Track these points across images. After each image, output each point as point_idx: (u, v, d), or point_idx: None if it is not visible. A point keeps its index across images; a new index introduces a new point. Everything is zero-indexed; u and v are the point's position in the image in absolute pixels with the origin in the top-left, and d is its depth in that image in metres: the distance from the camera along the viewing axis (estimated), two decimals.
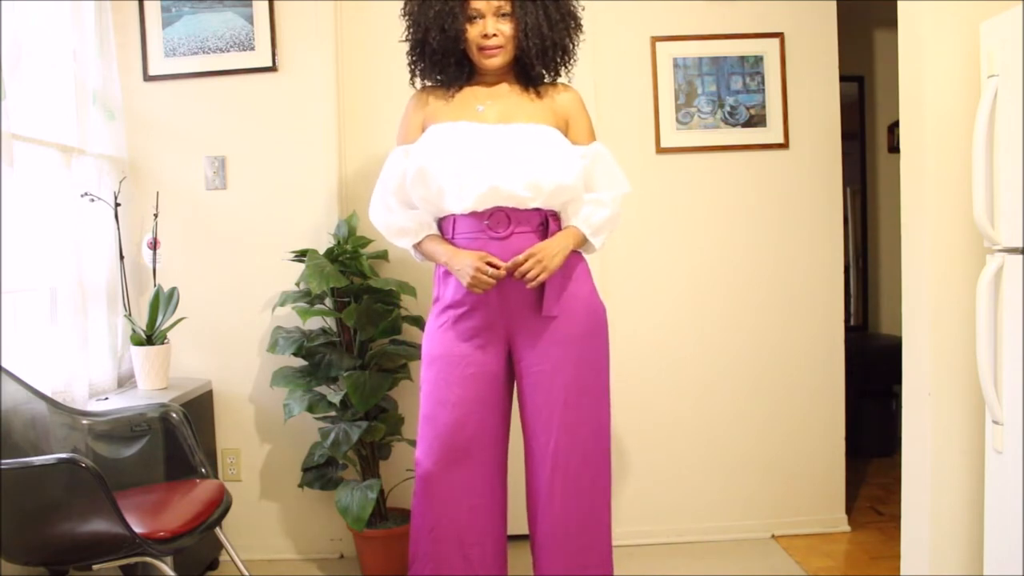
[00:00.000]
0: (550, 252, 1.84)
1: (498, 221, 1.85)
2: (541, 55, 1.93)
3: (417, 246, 1.98)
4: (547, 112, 1.97)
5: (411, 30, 1.97)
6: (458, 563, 1.88)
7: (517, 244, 1.85)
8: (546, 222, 1.90)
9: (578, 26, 2.01)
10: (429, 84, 2.03)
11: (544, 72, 1.99)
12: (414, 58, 1.99)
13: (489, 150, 1.85)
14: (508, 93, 1.98)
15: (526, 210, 1.86)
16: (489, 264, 1.81)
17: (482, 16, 1.89)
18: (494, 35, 1.89)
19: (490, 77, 1.99)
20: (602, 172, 1.98)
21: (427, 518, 1.88)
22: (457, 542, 1.88)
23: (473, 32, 1.90)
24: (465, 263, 1.83)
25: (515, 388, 2.01)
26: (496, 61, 1.92)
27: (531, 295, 1.88)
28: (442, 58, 1.94)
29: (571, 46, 1.99)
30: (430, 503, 1.88)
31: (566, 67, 2.02)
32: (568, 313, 1.90)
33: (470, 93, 1.98)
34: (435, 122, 1.94)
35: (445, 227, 1.92)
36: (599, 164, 1.98)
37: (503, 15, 1.89)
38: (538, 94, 1.99)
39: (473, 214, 1.86)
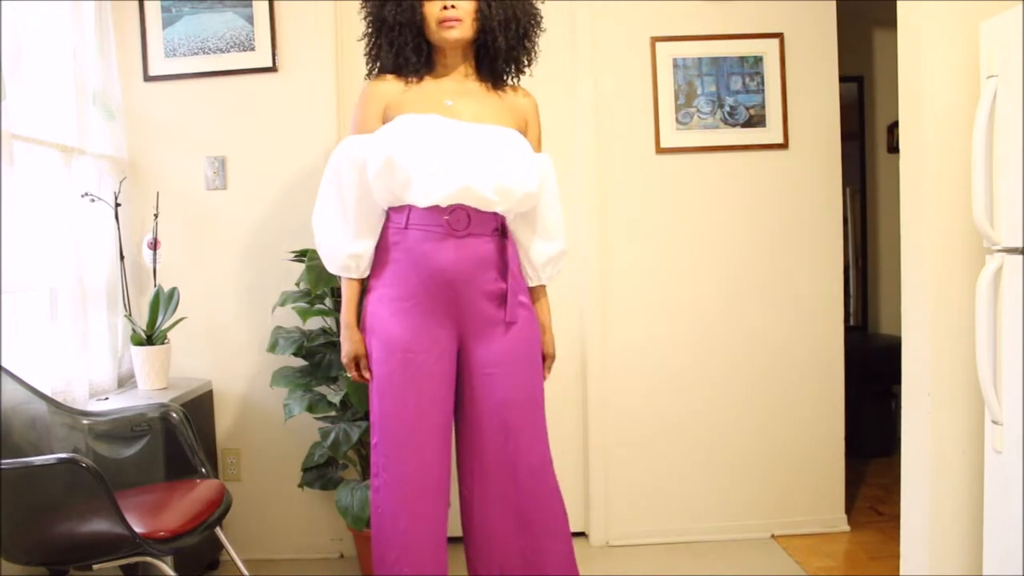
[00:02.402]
0: (553, 345, 2.07)
1: (459, 219, 1.83)
2: (503, 27, 1.89)
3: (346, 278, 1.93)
4: (508, 113, 1.95)
5: (369, 6, 1.94)
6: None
7: (472, 245, 1.84)
8: (501, 227, 1.90)
9: (537, 22, 1.99)
10: (388, 73, 1.96)
11: (507, 51, 1.93)
12: (373, 40, 1.95)
13: (462, 148, 1.83)
14: (474, 90, 1.95)
15: (487, 212, 1.85)
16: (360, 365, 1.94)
17: None
18: (452, 6, 1.85)
19: (451, 68, 1.94)
20: (549, 188, 2.01)
21: (379, 518, 1.89)
22: (408, 546, 1.88)
23: (431, 8, 1.87)
24: (348, 347, 1.92)
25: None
26: (455, 34, 1.87)
27: (481, 296, 1.87)
28: (399, 35, 1.88)
29: (533, 30, 1.96)
30: (383, 503, 1.87)
31: (525, 53, 1.97)
32: (515, 318, 1.92)
33: (434, 86, 1.93)
34: (400, 113, 1.87)
35: (397, 216, 1.87)
36: (548, 180, 2.01)
37: None
38: (500, 94, 1.98)
39: (434, 208, 1.82)
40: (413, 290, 1.85)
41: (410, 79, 1.93)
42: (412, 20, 1.88)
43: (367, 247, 1.91)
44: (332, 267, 1.95)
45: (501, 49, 1.92)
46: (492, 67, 1.96)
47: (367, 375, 1.92)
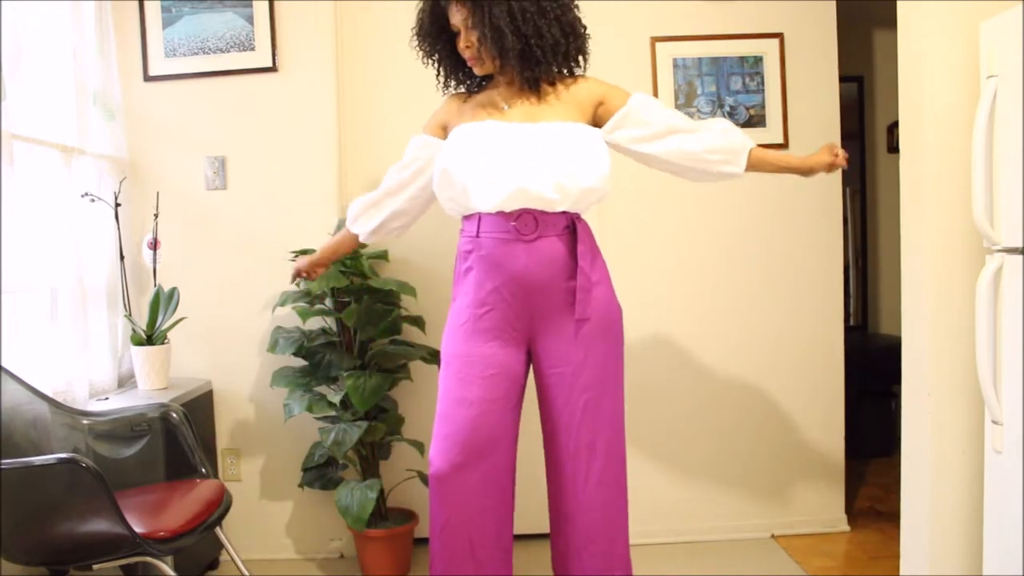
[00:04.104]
0: (810, 157, 2.00)
1: (525, 223, 1.83)
2: (498, 56, 1.86)
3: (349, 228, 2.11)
4: (572, 108, 1.93)
5: (419, 50, 2.00)
6: (468, 564, 1.87)
7: (544, 248, 1.84)
8: (572, 225, 1.87)
9: (541, 34, 1.87)
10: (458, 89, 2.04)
11: (523, 74, 1.89)
12: (436, 72, 2.02)
13: (515, 149, 1.83)
14: (529, 93, 1.94)
15: (553, 213, 1.84)
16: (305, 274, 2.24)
17: (459, 30, 1.90)
18: (467, 46, 1.90)
19: (507, 76, 1.94)
20: (656, 111, 1.97)
21: (438, 518, 1.87)
22: (467, 542, 1.87)
23: (460, 46, 1.92)
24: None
25: (527, 389, 2.00)
26: (479, 69, 1.93)
27: (554, 296, 1.87)
28: (446, 69, 1.98)
29: (536, 48, 1.86)
30: (442, 503, 1.86)
31: (537, 66, 1.89)
32: (586, 315, 1.89)
33: (494, 93, 1.97)
34: (460, 123, 1.92)
35: (469, 226, 1.90)
36: (653, 109, 1.97)
37: (470, 26, 1.87)
38: (557, 90, 1.95)
39: (500, 214, 1.84)
40: (487, 296, 1.87)
41: (473, 93, 2.00)
42: (451, 62, 1.96)
43: (369, 207, 2.07)
44: (354, 206, 2.10)
45: (520, 74, 1.89)
46: (532, 79, 1.93)
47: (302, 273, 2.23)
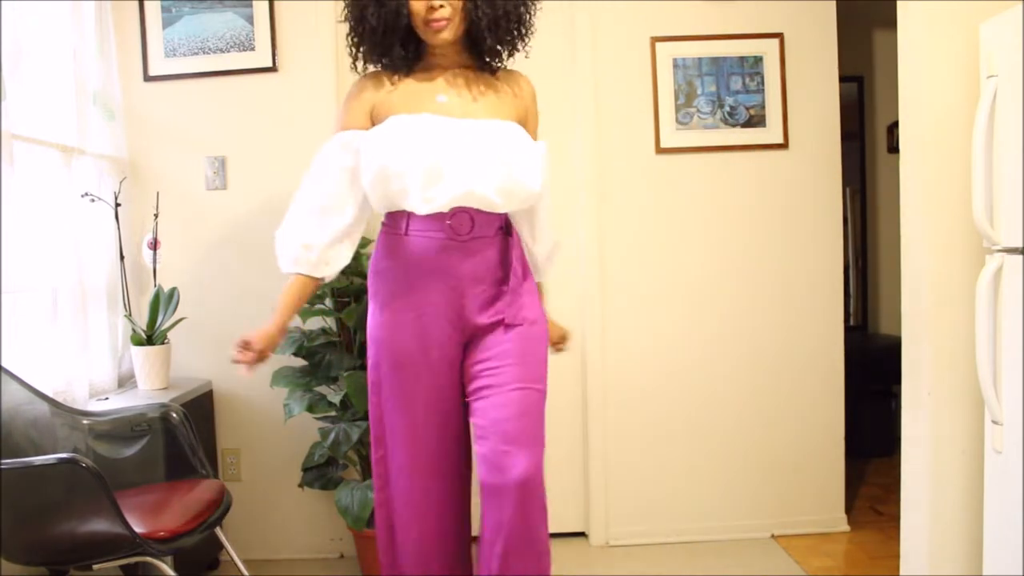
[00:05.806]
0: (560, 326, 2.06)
1: (461, 222, 1.73)
2: (493, 26, 1.75)
3: (296, 275, 1.82)
4: (507, 101, 1.84)
5: (349, 7, 1.79)
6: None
7: (475, 249, 1.76)
8: (505, 226, 1.81)
9: (528, 7, 1.83)
10: (374, 69, 1.85)
11: (498, 47, 1.82)
12: (354, 39, 1.80)
13: (459, 149, 1.71)
14: (467, 82, 1.82)
15: (490, 213, 1.77)
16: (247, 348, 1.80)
17: None
18: (440, 6, 1.70)
19: (442, 59, 1.81)
20: (545, 185, 1.87)
21: (388, 530, 1.85)
22: (420, 556, 1.85)
23: (417, 5, 1.71)
24: (255, 332, 1.81)
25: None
26: (445, 35, 1.74)
27: (484, 300, 1.79)
28: (383, 38, 1.76)
29: (525, 15, 1.82)
30: (392, 514, 1.84)
31: (521, 39, 1.84)
32: (517, 320, 1.82)
33: (425, 80, 1.81)
34: (391, 113, 1.76)
35: (396, 221, 1.78)
36: (544, 175, 1.87)
37: None
38: (496, 80, 1.86)
39: (435, 213, 1.72)
40: (415, 299, 1.78)
41: (399, 75, 1.82)
42: (397, 24, 1.74)
43: (324, 240, 1.80)
44: (283, 263, 1.82)
45: (492, 46, 1.81)
46: (483, 60, 1.85)
47: (246, 359, 1.81)
